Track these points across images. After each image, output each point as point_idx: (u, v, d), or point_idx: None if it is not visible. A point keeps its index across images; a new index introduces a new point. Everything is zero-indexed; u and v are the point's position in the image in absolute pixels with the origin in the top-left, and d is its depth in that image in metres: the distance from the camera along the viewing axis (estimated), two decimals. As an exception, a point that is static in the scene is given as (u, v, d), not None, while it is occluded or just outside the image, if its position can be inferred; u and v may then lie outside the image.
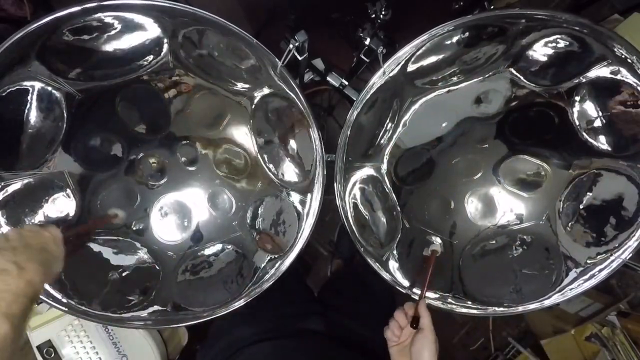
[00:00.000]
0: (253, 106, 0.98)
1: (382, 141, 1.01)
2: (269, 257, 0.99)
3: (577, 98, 0.88)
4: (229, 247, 1.05)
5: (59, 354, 1.16)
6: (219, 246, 1.05)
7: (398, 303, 0.84)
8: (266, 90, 0.94)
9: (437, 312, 0.94)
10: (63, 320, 1.17)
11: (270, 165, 1.02)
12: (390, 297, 1.13)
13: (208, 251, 1.05)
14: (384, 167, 1.04)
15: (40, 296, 0.85)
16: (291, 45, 0.82)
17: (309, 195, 0.94)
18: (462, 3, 1.14)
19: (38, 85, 0.82)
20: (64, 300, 0.87)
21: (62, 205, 0.92)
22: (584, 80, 0.85)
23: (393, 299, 1.12)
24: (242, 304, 0.90)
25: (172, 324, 0.94)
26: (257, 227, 1.05)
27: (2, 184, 0.84)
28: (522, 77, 0.91)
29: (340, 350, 0.86)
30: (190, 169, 1.07)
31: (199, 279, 1.01)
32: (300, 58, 0.86)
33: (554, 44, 0.83)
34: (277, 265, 0.94)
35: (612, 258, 0.86)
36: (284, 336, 0.87)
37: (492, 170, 1.05)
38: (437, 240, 1.01)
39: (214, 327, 0.98)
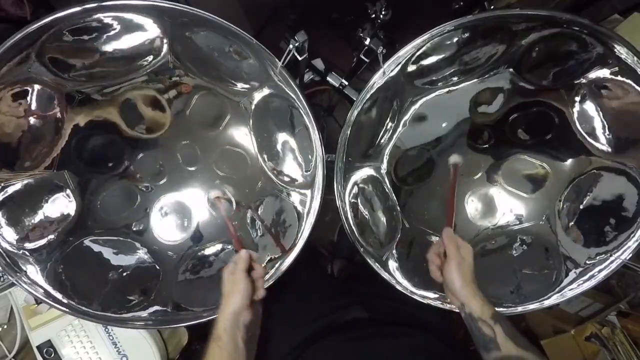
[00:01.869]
0: (253, 106, 0.98)
1: (382, 141, 1.01)
2: (269, 257, 0.99)
3: (577, 98, 0.88)
4: (229, 247, 1.05)
5: (59, 354, 1.16)
6: (219, 246, 1.05)
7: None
8: (266, 91, 0.94)
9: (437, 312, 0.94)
10: (63, 320, 1.17)
11: (270, 165, 1.02)
12: None
13: (208, 251, 1.05)
14: (384, 167, 1.04)
15: (40, 296, 0.86)
16: (291, 46, 0.82)
17: (309, 195, 0.94)
18: (462, 3, 1.13)
19: (39, 85, 0.82)
20: (65, 301, 0.87)
21: (62, 205, 0.92)
22: (584, 80, 0.85)
23: None
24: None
25: (172, 324, 0.94)
26: (257, 227, 1.05)
27: (2, 184, 0.84)
28: (522, 77, 0.91)
29: (391, 329, 0.85)
30: (190, 169, 1.07)
31: (199, 279, 1.01)
32: (300, 58, 0.86)
33: (554, 44, 0.83)
34: (277, 265, 0.94)
35: (611, 258, 0.86)
36: (335, 332, 0.85)
37: (492, 170, 1.05)
38: (454, 158, 0.93)
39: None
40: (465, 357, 0.83)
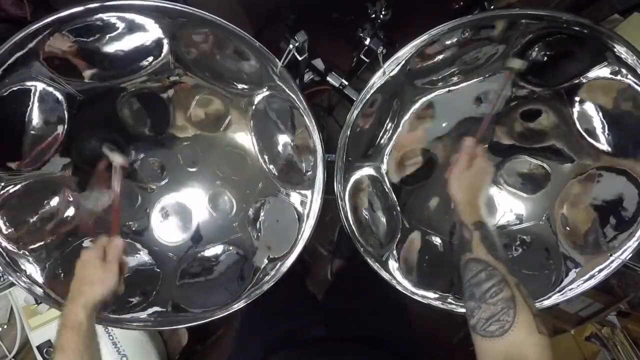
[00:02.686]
0: (253, 107, 0.98)
1: (382, 141, 1.01)
2: (269, 258, 0.99)
3: (577, 98, 0.88)
4: (230, 248, 1.05)
5: (59, 354, 1.16)
6: (219, 247, 1.05)
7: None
8: (266, 91, 0.94)
9: (437, 312, 0.94)
10: (63, 321, 1.17)
11: (271, 166, 1.02)
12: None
13: (208, 252, 1.05)
14: (384, 167, 1.04)
15: (42, 297, 0.86)
16: (291, 46, 0.82)
17: (309, 195, 0.94)
18: (462, 3, 1.13)
19: (39, 85, 0.82)
20: (64, 301, 0.87)
21: (62, 205, 0.92)
22: (583, 80, 0.85)
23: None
24: (242, 306, 0.90)
25: (172, 325, 0.94)
26: (257, 227, 1.05)
27: (3, 184, 0.84)
28: (521, 77, 0.91)
29: (343, 347, 0.85)
30: (190, 170, 1.07)
31: (199, 280, 1.01)
32: (300, 58, 0.86)
33: (554, 44, 0.83)
34: (277, 266, 0.94)
35: (611, 258, 0.86)
36: (292, 347, 0.85)
37: (492, 170, 1.05)
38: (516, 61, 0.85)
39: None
40: None
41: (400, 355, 0.81)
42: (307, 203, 0.94)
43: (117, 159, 0.87)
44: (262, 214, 1.05)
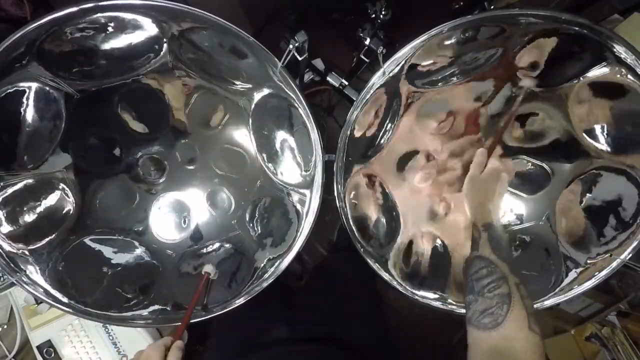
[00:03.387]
0: (252, 106, 0.98)
1: (381, 141, 1.01)
2: (268, 256, 0.99)
3: (577, 98, 0.88)
4: (228, 245, 1.05)
5: (59, 354, 1.16)
6: (218, 245, 1.05)
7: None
8: (266, 91, 0.94)
9: (437, 312, 0.94)
10: (63, 320, 1.17)
11: (270, 165, 1.02)
12: (366, 278, 1.12)
13: (208, 250, 1.05)
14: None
15: (41, 296, 0.86)
16: (291, 46, 0.82)
17: (308, 194, 0.94)
18: (462, 3, 1.13)
19: (36, 85, 0.82)
20: (65, 300, 0.87)
21: (61, 205, 0.92)
22: (583, 80, 0.85)
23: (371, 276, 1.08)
24: (242, 302, 0.90)
25: (172, 323, 0.94)
26: (256, 225, 1.05)
27: (2, 184, 0.84)
28: (521, 78, 0.91)
29: (305, 349, 0.86)
30: (189, 168, 1.07)
31: (199, 278, 1.00)
32: (300, 58, 0.86)
33: (553, 44, 0.83)
34: (276, 263, 0.95)
35: (611, 259, 0.86)
36: (254, 351, 0.86)
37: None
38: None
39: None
40: None
41: (365, 357, 0.83)
42: (306, 201, 0.95)
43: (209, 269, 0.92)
44: (261, 211, 1.05)
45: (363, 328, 0.95)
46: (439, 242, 1.03)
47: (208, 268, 0.93)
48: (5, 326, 1.35)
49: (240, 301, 0.91)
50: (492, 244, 0.73)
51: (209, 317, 0.91)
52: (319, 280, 1.36)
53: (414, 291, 0.94)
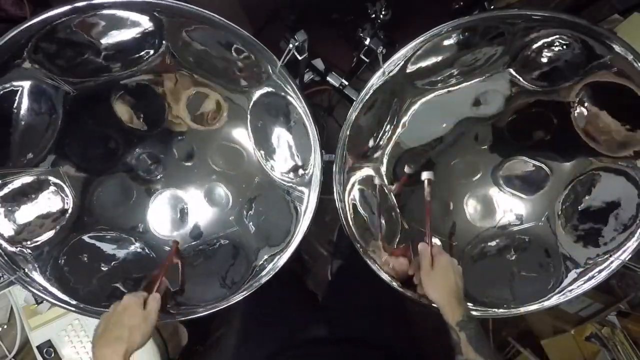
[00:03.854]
0: (251, 104, 0.98)
1: (381, 142, 1.01)
2: (266, 253, 0.99)
3: (576, 99, 0.88)
4: (226, 242, 1.05)
5: (59, 354, 1.16)
6: (215, 241, 1.05)
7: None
8: (265, 89, 0.94)
9: (437, 312, 0.94)
10: (63, 320, 1.17)
11: (268, 162, 1.02)
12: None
13: (205, 246, 1.05)
14: (384, 168, 1.03)
15: (40, 294, 0.86)
16: (291, 45, 0.82)
17: (306, 192, 0.94)
18: (462, 3, 1.13)
19: (32, 83, 0.82)
20: (65, 298, 0.87)
21: (59, 202, 0.92)
22: (582, 80, 0.85)
23: None
24: (239, 299, 0.90)
25: (171, 319, 0.94)
26: (254, 221, 1.05)
27: (0, 182, 0.84)
28: (521, 78, 0.91)
29: (344, 349, 0.86)
30: (186, 164, 1.07)
31: (197, 274, 1.01)
32: (300, 58, 0.86)
33: (553, 45, 0.83)
34: (274, 260, 0.94)
35: (611, 259, 0.86)
36: (292, 349, 0.86)
37: (491, 171, 1.05)
38: (426, 174, 0.94)
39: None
40: None
41: (397, 358, 0.82)
42: (304, 199, 0.94)
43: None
44: (259, 208, 1.05)
45: (390, 327, 0.95)
46: (437, 242, 1.03)
47: (177, 238, 1.00)
48: (5, 326, 1.34)
49: (238, 298, 0.91)
50: (473, 345, 0.70)
51: (208, 313, 0.90)
52: (346, 280, 1.36)
53: (413, 291, 0.94)
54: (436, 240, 0.94)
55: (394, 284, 0.93)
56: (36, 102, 0.84)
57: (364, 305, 1.00)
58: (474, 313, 0.92)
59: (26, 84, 0.82)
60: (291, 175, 1.00)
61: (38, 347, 1.16)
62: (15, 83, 0.80)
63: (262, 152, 1.03)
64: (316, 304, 1.15)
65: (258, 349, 0.89)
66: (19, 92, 0.82)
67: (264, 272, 0.94)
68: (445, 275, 0.79)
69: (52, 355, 1.15)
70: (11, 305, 1.29)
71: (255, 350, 0.90)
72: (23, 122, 0.84)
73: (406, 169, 1.00)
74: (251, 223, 1.05)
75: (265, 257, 0.98)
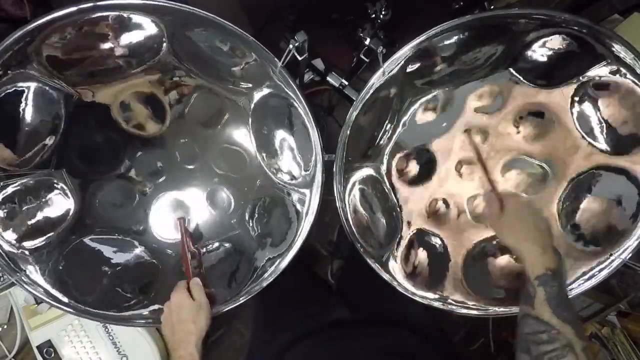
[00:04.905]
0: (252, 105, 0.98)
1: (381, 141, 1.01)
2: (268, 256, 0.99)
3: (576, 98, 0.88)
4: (228, 245, 1.05)
5: (59, 354, 1.16)
6: (217, 244, 1.05)
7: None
8: (265, 90, 0.94)
9: (437, 312, 0.94)
10: (63, 320, 1.17)
11: (270, 164, 1.02)
12: None
13: (207, 249, 1.05)
14: (384, 167, 1.03)
15: (41, 295, 0.86)
16: (291, 46, 0.82)
17: (308, 194, 0.94)
18: (462, 3, 1.13)
19: (35, 85, 0.82)
20: (65, 300, 0.87)
21: (60, 204, 0.92)
22: (582, 80, 0.85)
23: None
24: (241, 302, 0.91)
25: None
26: (256, 224, 1.05)
27: (1, 184, 0.84)
28: (521, 77, 0.91)
29: (369, 329, 0.86)
30: (188, 167, 1.07)
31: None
32: (300, 58, 0.86)
33: (553, 44, 0.83)
34: (276, 263, 0.94)
35: (612, 258, 0.86)
36: (316, 333, 0.85)
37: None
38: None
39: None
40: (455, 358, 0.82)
41: (421, 334, 0.81)
42: (306, 201, 0.94)
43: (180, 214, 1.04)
44: (260, 211, 1.05)
45: (409, 306, 0.94)
46: (438, 241, 1.03)
47: (179, 214, 1.04)
48: (5, 326, 1.35)
49: (239, 301, 0.91)
50: (553, 304, 0.61)
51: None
52: (358, 265, 1.37)
53: (414, 291, 0.94)
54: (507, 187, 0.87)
55: (394, 284, 0.93)
56: (39, 104, 0.84)
57: (380, 288, 1.00)
58: (474, 312, 0.93)
59: (31, 86, 0.82)
60: (293, 176, 1.00)
61: (38, 347, 1.16)
62: (20, 84, 0.80)
63: (264, 154, 1.03)
64: (329, 290, 1.15)
65: (281, 334, 0.88)
66: (24, 94, 0.82)
67: (265, 275, 0.94)
68: (517, 216, 0.72)
69: (52, 355, 1.16)
70: (11, 305, 1.29)
71: (278, 334, 0.89)
72: (27, 124, 0.84)
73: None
74: (253, 226, 1.05)
75: (267, 259, 0.98)
